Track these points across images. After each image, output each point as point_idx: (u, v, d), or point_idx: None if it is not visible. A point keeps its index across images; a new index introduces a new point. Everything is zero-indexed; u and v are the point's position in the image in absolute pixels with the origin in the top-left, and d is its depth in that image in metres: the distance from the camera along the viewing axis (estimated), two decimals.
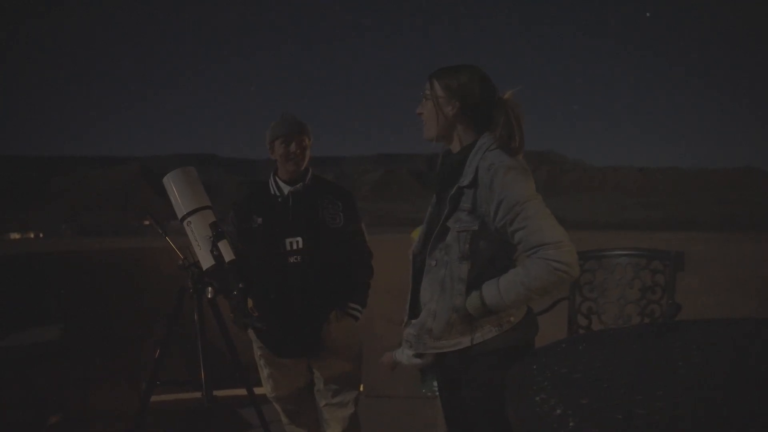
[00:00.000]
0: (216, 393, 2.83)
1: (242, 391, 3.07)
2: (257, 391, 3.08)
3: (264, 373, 3.09)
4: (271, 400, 3.18)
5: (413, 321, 2.21)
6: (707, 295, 4.51)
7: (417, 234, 2.85)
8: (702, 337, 2.11)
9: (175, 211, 2.79)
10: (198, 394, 2.80)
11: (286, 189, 3.01)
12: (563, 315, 3.64)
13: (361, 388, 3.22)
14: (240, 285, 2.62)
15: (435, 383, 3.01)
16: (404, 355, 2.67)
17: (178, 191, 2.77)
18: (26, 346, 4.46)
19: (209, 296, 2.78)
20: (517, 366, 1.89)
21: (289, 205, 2.98)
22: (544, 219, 1.99)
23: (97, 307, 4.90)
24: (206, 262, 2.74)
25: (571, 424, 1.36)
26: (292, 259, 2.91)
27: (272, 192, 3.02)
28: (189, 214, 2.75)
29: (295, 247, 2.92)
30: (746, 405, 1.42)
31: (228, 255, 2.68)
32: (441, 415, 2.92)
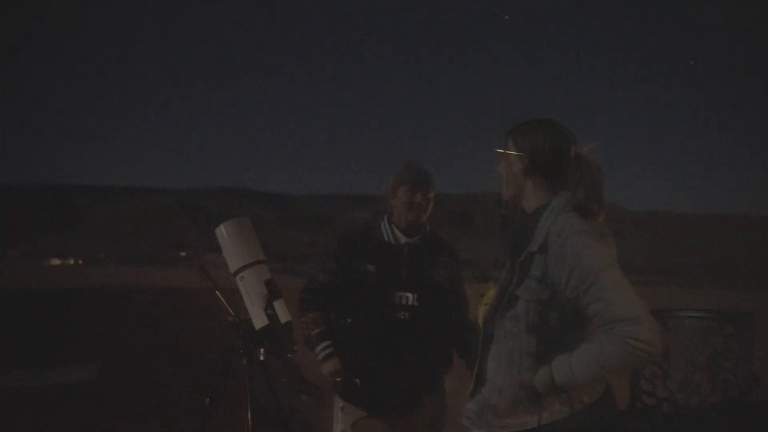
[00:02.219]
0: None
1: None
2: None
3: (338, 428, 2.88)
4: None
5: (476, 396, 2.03)
6: None
7: (487, 294, 2.68)
8: None
9: (227, 264, 2.68)
10: None
11: (403, 239, 2.83)
12: (625, 378, 3.41)
13: None
14: (295, 348, 2.47)
15: None
16: None
17: (231, 243, 2.67)
18: (61, 385, 4.35)
19: (261, 358, 2.63)
20: None
21: (404, 257, 2.81)
22: (621, 291, 1.80)
23: (135, 346, 4.81)
24: (259, 321, 2.60)
25: None
26: (401, 315, 2.74)
27: (386, 239, 2.84)
28: (242, 268, 2.63)
29: (404, 302, 2.74)
30: None
31: (284, 316, 2.54)
32: None
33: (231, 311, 2.70)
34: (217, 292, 2.72)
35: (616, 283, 1.81)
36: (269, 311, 2.53)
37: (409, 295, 2.74)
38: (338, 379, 2.67)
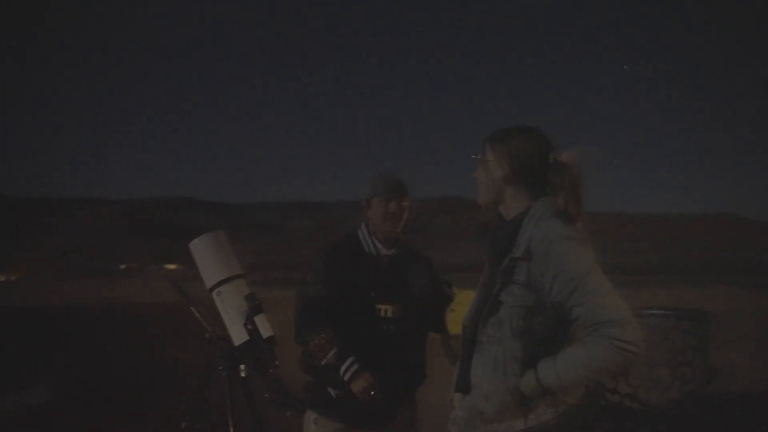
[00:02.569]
0: None
1: None
2: None
3: None
4: None
5: (462, 402, 2.05)
6: (733, 352, 4.38)
7: (455, 301, 2.69)
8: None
9: (203, 279, 2.61)
10: None
11: (383, 250, 2.82)
12: None
13: None
14: (276, 362, 2.42)
15: None
16: None
17: (207, 258, 2.60)
18: (10, 412, 4.16)
19: (242, 374, 2.56)
20: None
21: (384, 269, 2.80)
22: (606, 294, 1.86)
23: (90, 366, 4.64)
24: (238, 337, 2.54)
25: None
26: (382, 327, 2.72)
27: (367, 250, 2.82)
28: (220, 283, 2.56)
29: (385, 314, 2.73)
30: None
31: (266, 331, 2.48)
32: None
33: (208, 327, 2.63)
34: (192, 308, 2.64)
35: (599, 286, 1.85)
36: (249, 326, 2.47)
37: (390, 307, 2.73)
38: (372, 393, 2.61)
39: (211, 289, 2.60)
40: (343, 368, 2.61)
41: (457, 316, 2.55)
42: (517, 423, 1.95)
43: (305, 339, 2.66)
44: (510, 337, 1.94)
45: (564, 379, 1.87)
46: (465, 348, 2.12)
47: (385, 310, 2.74)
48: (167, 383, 4.20)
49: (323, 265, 2.78)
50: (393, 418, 2.79)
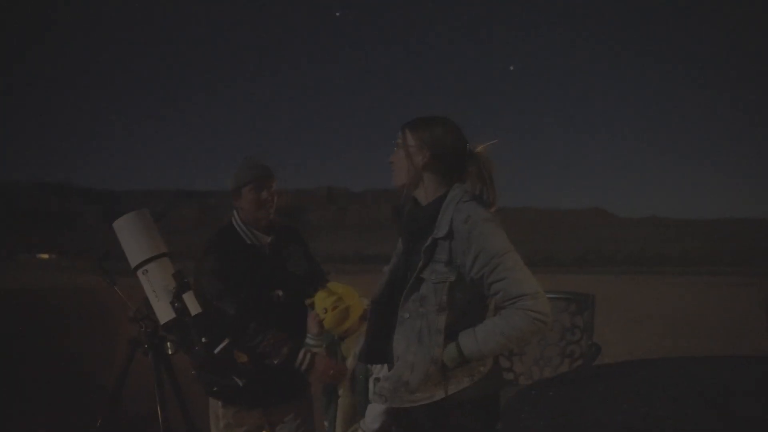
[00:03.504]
0: None
1: None
2: None
3: (220, 424, 2.85)
4: None
5: (388, 374, 2.18)
6: (610, 333, 4.81)
7: (321, 303, 2.84)
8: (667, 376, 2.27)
9: (128, 258, 2.58)
10: None
11: (263, 239, 2.86)
12: None
13: None
14: (203, 339, 2.44)
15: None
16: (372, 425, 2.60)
17: (132, 236, 2.56)
18: None
19: (170, 352, 2.56)
20: (507, 414, 1.93)
21: (268, 256, 2.85)
22: (521, 271, 2.04)
23: None
24: (165, 315, 2.52)
25: None
26: (278, 311, 2.79)
27: (249, 242, 2.85)
28: (145, 262, 2.55)
29: (276, 300, 2.80)
30: None
31: (194, 308, 2.49)
32: None
33: (131, 306, 2.59)
34: (115, 287, 2.60)
35: (516, 264, 2.04)
36: (177, 304, 2.48)
37: (279, 292, 2.82)
38: (331, 372, 2.74)
39: (137, 268, 2.58)
40: (297, 363, 2.69)
41: (336, 313, 2.78)
42: (438, 392, 2.10)
43: (252, 343, 2.67)
44: (434, 312, 2.08)
45: (484, 348, 2.04)
46: (376, 323, 2.25)
47: (277, 295, 2.82)
48: (74, 374, 4.07)
49: (225, 266, 2.78)
50: (293, 396, 2.89)
